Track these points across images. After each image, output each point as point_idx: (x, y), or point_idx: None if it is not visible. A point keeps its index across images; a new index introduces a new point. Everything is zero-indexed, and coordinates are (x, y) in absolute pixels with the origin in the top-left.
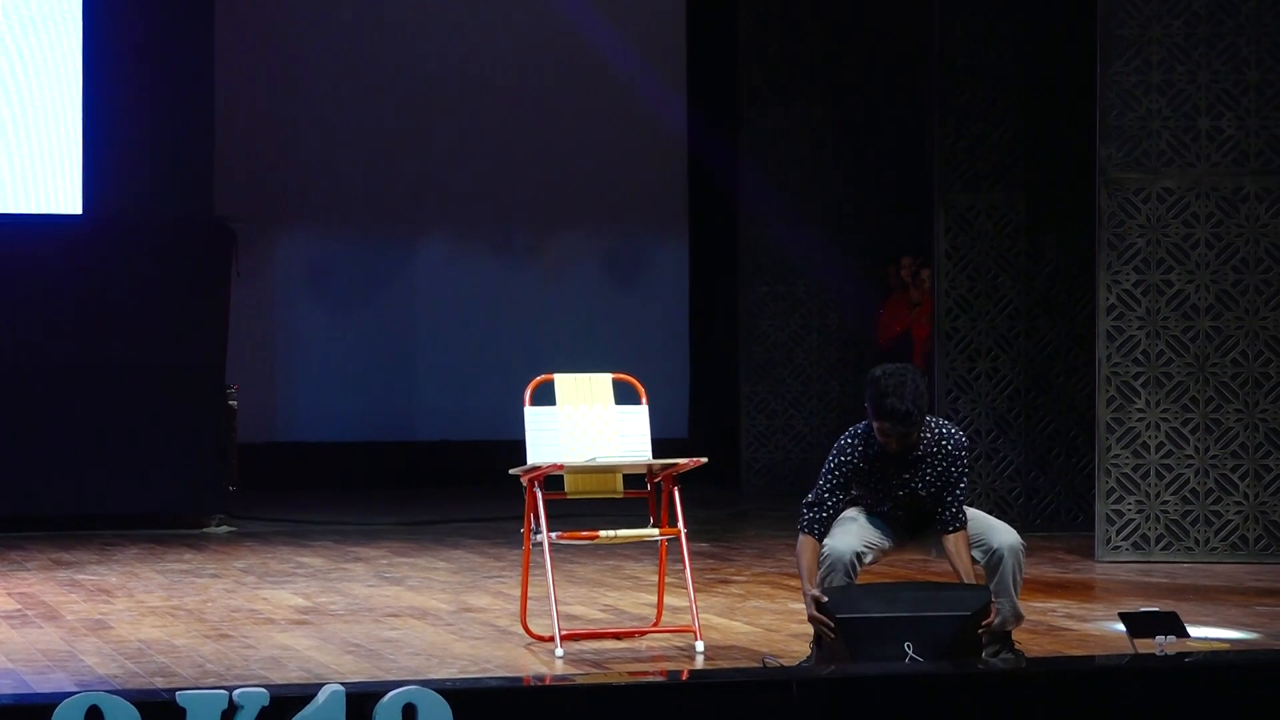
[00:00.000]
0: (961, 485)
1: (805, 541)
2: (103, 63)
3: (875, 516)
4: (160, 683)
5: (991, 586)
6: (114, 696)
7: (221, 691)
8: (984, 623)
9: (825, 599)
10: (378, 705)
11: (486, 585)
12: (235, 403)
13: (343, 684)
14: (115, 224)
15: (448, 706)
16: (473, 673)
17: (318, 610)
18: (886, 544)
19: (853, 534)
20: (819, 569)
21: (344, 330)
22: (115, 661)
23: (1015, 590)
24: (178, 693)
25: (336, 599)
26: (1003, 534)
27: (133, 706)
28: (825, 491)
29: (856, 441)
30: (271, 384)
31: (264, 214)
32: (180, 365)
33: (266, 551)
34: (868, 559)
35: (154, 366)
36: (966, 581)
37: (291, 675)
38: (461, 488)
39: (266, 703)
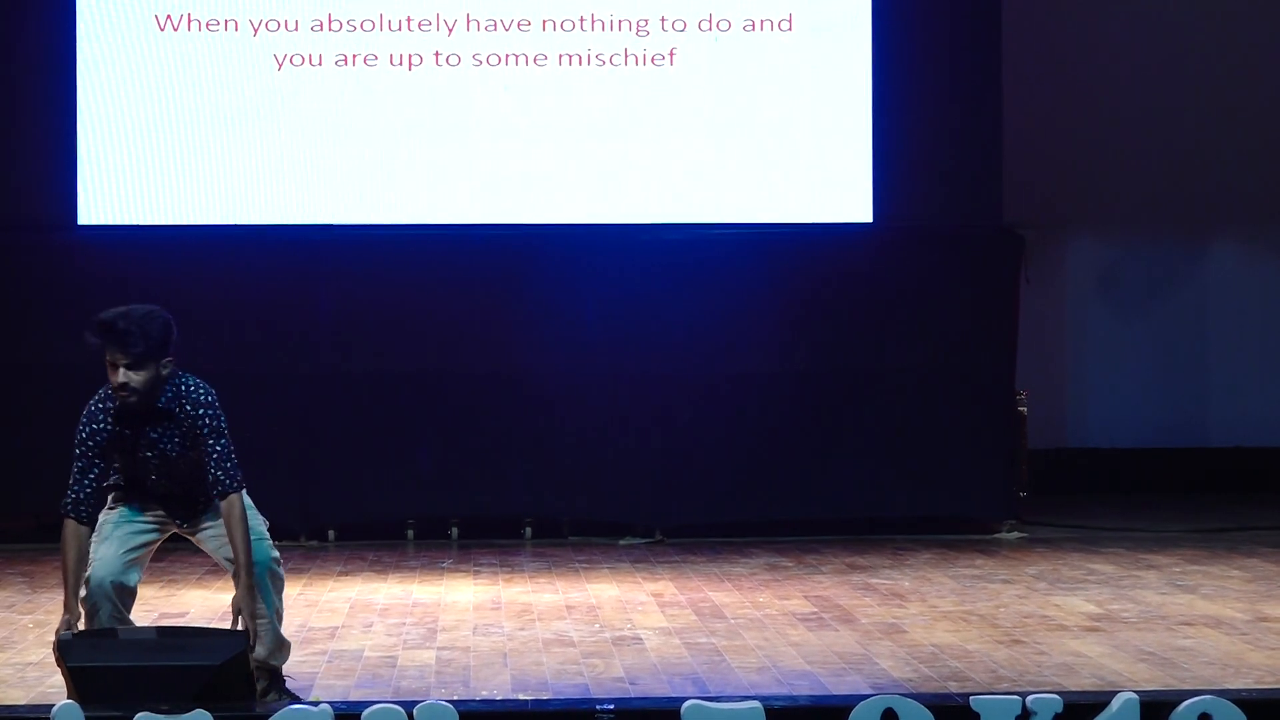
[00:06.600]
0: (218, 445)
1: (67, 528)
2: (892, 70)
3: (134, 506)
4: (954, 687)
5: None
6: (909, 700)
7: (1015, 697)
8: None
9: (66, 636)
10: (1172, 714)
11: None
12: (1025, 409)
13: (1136, 692)
14: (904, 232)
15: (1244, 717)
16: (1269, 683)
17: (1110, 617)
18: (153, 535)
19: (111, 549)
20: (87, 600)
21: (1133, 335)
22: (909, 665)
23: (273, 613)
24: (972, 697)
25: (1129, 606)
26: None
27: (927, 710)
28: (79, 470)
29: (106, 404)
30: (1061, 390)
31: (1052, 219)
32: (969, 371)
33: (1057, 557)
34: (135, 576)
35: (942, 372)
36: (241, 552)
37: (1084, 683)
38: (1256, 494)
39: (1060, 709)
